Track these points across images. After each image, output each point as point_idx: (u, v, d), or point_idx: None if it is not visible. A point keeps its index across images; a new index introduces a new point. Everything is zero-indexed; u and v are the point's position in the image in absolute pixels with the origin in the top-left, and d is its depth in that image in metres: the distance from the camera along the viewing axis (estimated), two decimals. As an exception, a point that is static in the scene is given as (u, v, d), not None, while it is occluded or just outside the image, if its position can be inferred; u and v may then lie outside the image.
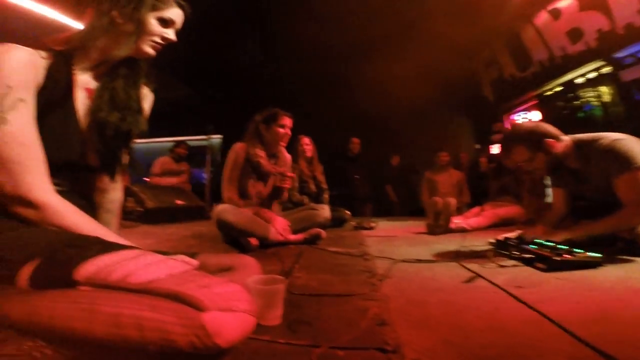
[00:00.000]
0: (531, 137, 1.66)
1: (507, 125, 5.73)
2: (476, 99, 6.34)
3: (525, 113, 5.27)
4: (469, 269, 1.40)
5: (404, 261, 1.59)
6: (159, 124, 5.13)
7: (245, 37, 5.36)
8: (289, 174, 2.16)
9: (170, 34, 0.94)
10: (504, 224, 2.94)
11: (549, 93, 4.69)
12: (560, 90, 4.50)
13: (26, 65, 0.75)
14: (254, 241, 1.91)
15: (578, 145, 1.68)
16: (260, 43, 5.56)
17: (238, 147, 2.17)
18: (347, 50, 5.47)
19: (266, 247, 1.98)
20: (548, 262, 1.37)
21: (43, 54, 0.81)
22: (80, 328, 0.57)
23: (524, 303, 0.97)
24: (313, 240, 2.12)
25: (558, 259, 1.36)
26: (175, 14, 0.93)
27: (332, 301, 1.01)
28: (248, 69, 5.49)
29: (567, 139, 1.69)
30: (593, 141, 1.64)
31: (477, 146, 6.32)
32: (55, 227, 0.75)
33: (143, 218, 3.44)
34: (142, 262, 0.65)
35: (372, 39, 5.11)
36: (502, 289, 1.12)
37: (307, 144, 3.16)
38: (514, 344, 0.72)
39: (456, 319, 0.87)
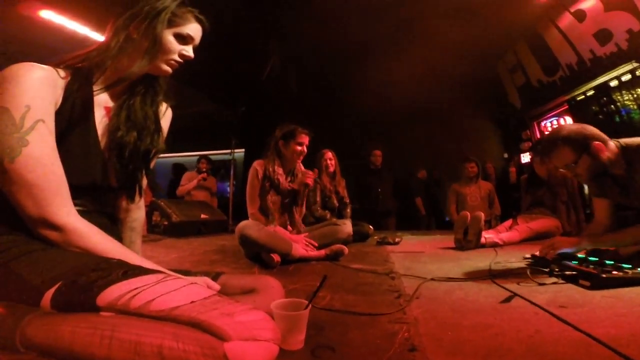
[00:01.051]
0: (578, 139, 1.52)
1: (537, 132, 5.50)
2: (502, 106, 6.14)
3: (557, 119, 5.04)
4: (505, 288, 1.30)
5: (433, 279, 1.50)
6: (183, 139, 5.31)
7: (267, 51, 5.47)
8: (310, 173, 2.16)
9: (189, 50, 0.92)
10: (538, 238, 2.76)
11: (581, 98, 4.47)
12: (593, 95, 4.28)
13: (46, 84, 0.75)
14: (276, 257, 1.88)
15: (624, 150, 1.54)
16: (282, 57, 5.65)
17: (257, 164, 2.21)
18: (370, 62, 5.46)
19: (288, 264, 1.94)
20: (594, 280, 1.25)
21: (62, 72, 0.81)
22: (99, 355, 0.56)
23: (569, 324, 0.88)
24: (335, 257, 2.07)
25: (605, 276, 1.25)
26: (194, 29, 0.92)
27: (358, 324, 0.95)
28: (270, 84, 5.59)
29: (613, 143, 1.55)
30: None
31: (505, 155, 6.08)
32: (79, 249, 0.74)
33: (168, 231, 3.50)
34: (164, 288, 0.64)
35: (394, 48, 5.08)
36: (543, 309, 1.02)
37: (330, 159, 3.13)
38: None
39: (493, 343, 0.79)
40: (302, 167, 2.37)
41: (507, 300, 1.16)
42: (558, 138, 1.56)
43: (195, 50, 0.95)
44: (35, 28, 3.37)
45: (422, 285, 1.40)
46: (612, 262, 1.36)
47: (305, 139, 2.19)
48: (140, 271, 0.68)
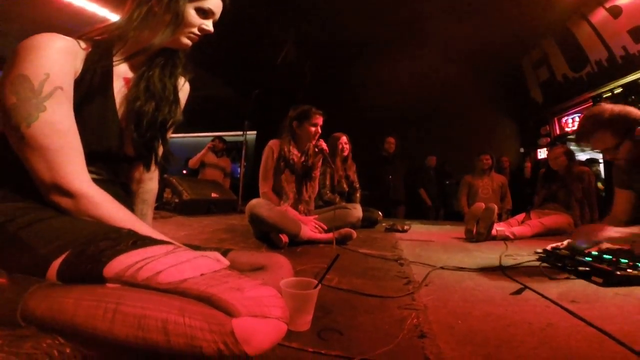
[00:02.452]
0: (622, 122, 1.45)
1: (557, 128, 5.35)
2: (522, 100, 5.97)
3: (579, 116, 4.89)
4: (515, 280, 1.28)
5: (442, 268, 1.49)
6: (197, 120, 5.32)
7: (280, 33, 5.38)
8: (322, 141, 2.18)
9: (209, 25, 0.92)
10: (550, 234, 2.72)
11: (607, 95, 4.33)
12: (621, 92, 4.14)
13: (65, 53, 0.75)
14: (284, 238, 1.89)
15: None
16: (295, 40, 5.57)
17: (272, 144, 2.20)
18: (385, 46, 5.34)
19: (296, 245, 1.95)
20: (607, 277, 1.23)
21: (82, 44, 0.81)
22: (102, 328, 0.54)
23: (582, 319, 0.87)
24: (343, 240, 2.07)
25: (620, 273, 1.22)
26: (215, 4, 0.91)
27: (366, 308, 0.95)
28: (283, 66, 5.52)
29: None
30: None
31: (522, 150, 5.96)
32: (90, 218, 0.74)
33: (179, 209, 3.54)
34: (174, 259, 0.63)
35: (413, 34, 4.95)
36: (555, 302, 1.01)
37: (345, 143, 3.11)
38: (574, 367, 0.63)
39: (505, 334, 0.78)
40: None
41: (518, 292, 1.14)
42: (600, 120, 1.48)
43: (214, 25, 0.95)
44: (55, 10, 3.37)
45: (431, 273, 1.39)
46: (627, 260, 1.33)
47: (319, 120, 2.17)
48: (150, 241, 0.67)
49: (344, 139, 3.11)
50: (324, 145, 2.19)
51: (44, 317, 0.57)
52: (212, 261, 0.66)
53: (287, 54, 5.47)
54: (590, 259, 1.41)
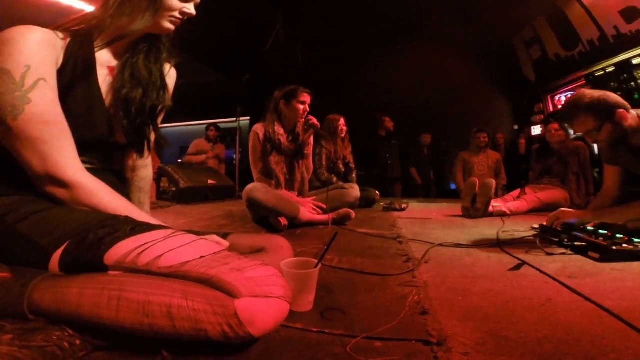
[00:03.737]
0: (601, 106, 1.50)
1: (550, 105, 5.35)
2: (515, 78, 5.95)
3: (572, 94, 4.90)
4: (513, 256, 1.30)
5: (441, 245, 1.51)
6: (190, 108, 5.24)
7: (270, 18, 5.26)
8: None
9: (190, 8, 0.88)
10: (546, 209, 2.74)
11: (600, 74, 4.39)
12: (613, 71, 4.20)
13: (44, 44, 0.73)
14: (283, 221, 1.89)
15: None
16: (285, 24, 5.44)
17: (256, 128, 2.19)
18: (377, 26, 5.24)
19: (295, 227, 1.95)
20: (604, 252, 1.24)
21: (60, 34, 0.78)
22: (108, 317, 0.55)
23: (580, 294, 0.88)
24: (342, 221, 2.08)
25: (615, 248, 1.23)
26: None
27: (367, 287, 0.96)
28: (273, 51, 5.42)
29: (635, 112, 1.53)
30: None
31: (516, 127, 5.97)
32: (86, 207, 0.73)
33: (177, 198, 3.53)
34: (173, 243, 0.63)
35: (404, 14, 4.86)
36: (553, 278, 1.02)
37: (343, 125, 3.10)
38: (572, 340, 0.64)
39: (505, 310, 0.79)
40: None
41: (517, 268, 1.16)
42: (581, 105, 1.52)
43: (197, 9, 0.91)
44: (30, 4, 3.23)
45: (430, 250, 1.41)
46: (622, 235, 1.34)
47: (307, 98, 2.16)
48: (148, 227, 0.67)
49: (343, 120, 3.09)
50: (314, 120, 2.17)
51: (50, 309, 0.58)
52: (211, 243, 0.67)
53: (277, 37, 5.35)
54: (586, 234, 1.43)
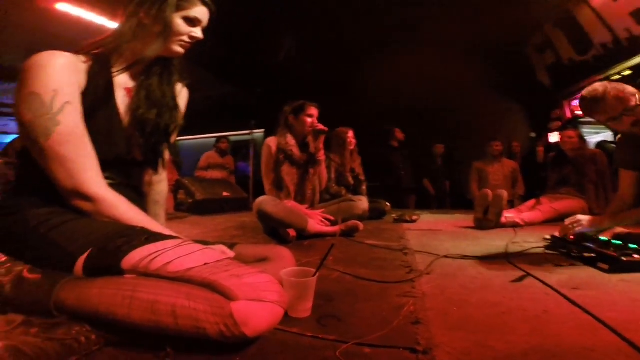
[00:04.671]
0: (619, 90, 1.52)
1: (568, 111, 5.24)
2: (530, 85, 5.85)
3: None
4: (519, 268, 1.29)
5: (446, 257, 1.51)
6: (204, 122, 5.40)
7: (281, 32, 5.40)
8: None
9: (198, 32, 0.97)
10: (562, 219, 2.68)
11: (616, 77, 4.26)
12: (630, 75, 4.10)
13: (68, 69, 0.82)
14: (292, 232, 1.94)
15: None
16: (296, 36, 5.57)
17: (269, 141, 2.28)
18: (388, 37, 5.28)
19: (303, 239, 1.99)
20: (613, 263, 1.22)
21: (82, 58, 0.87)
22: (121, 314, 0.62)
23: (578, 306, 0.88)
24: (350, 233, 2.11)
25: (626, 259, 1.21)
26: (201, 12, 0.96)
27: (367, 296, 0.99)
28: (285, 64, 5.55)
29: None
30: None
31: (533, 135, 5.84)
32: (107, 218, 0.82)
33: (193, 209, 3.64)
34: (181, 251, 0.70)
35: (413, 21, 4.89)
36: (554, 289, 1.02)
37: (352, 137, 3.15)
38: (560, 352, 0.65)
39: (498, 321, 0.80)
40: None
41: (519, 280, 1.16)
42: (599, 94, 1.52)
43: (205, 31, 0.99)
44: (54, 21, 3.47)
45: (435, 262, 1.42)
46: (636, 246, 1.32)
47: (314, 111, 2.25)
48: (160, 237, 0.75)
49: (352, 133, 3.14)
50: (321, 126, 2.25)
51: (73, 306, 0.66)
52: (215, 252, 0.74)
53: (289, 51, 5.48)
54: (598, 244, 1.40)
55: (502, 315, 0.84)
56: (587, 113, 1.62)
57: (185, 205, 3.72)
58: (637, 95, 1.50)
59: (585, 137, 3.12)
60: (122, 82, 0.94)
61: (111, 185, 0.87)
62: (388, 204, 3.25)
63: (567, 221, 1.66)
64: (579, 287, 1.05)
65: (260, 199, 2.02)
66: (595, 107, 1.55)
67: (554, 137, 5.28)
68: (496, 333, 0.73)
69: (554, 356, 0.63)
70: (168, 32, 0.91)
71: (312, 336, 0.70)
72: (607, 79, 4.37)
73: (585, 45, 4.65)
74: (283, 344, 0.68)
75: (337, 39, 5.36)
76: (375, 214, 2.99)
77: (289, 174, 2.21)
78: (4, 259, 0.76)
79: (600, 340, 0.70)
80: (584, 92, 1.59)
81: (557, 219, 2.69)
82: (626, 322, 0.77)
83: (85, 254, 0.73)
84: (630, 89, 1.52)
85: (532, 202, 2.99)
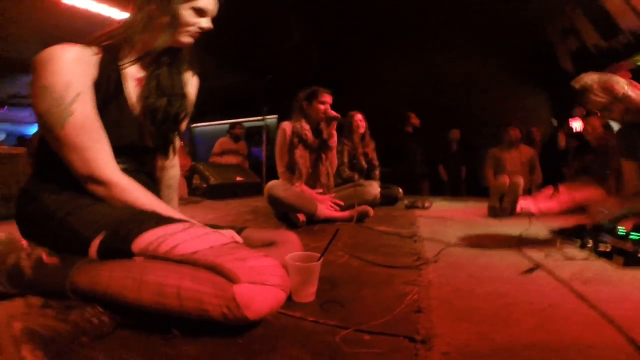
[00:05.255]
0: (606, 82, 1.49)
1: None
2: (552, 70, 5.59)
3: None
4: (530, 258, 1.27)
5: (456, 245, 1.50)
6: (218, 109, 5.43)
7: (292, 17, 5.31)
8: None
9: (206, 22, 0.96)
10: (581, 210, 2.60)
11: None
12: None
13: (80, 61, 0.83)
14: (301, 217, 1.96)
15: None
16: (307, 22, 5.46)
17: (284, 125, 2.28)
18: (403, 18, 5.12)
19: (313, 224, 2.01)
20: (628, 257, 1.19)
21: (93, 50, 0.88)
22: (130, 296, 0.65)
23: (585, 300, 0.86)
24: (360, 218, 2.11)
25: (641, 253, 1.18)
26: (209, 2, 0.95)
27: (372, 283, 0.99)
28: (297, 50, 5.48)
29: None
30: None
31: (554, 121, 5.62)
32: (121, 202, 0.85)
33: (207, 194, 3.71)
34: (188, 235, 0.73)
35: (431, 5, 4.71)
36: (563, 283, 1.00)
37: (360, 120, 3.10)
38: (562, 347, 0.64)
39: (503, 313, 0.80)
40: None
41: (529, 271, 1.14)
42: (586, 85, 1.51)
43: (214, 20, 0.99)
44: (61, 13, 3.48)
45: (444, 250, 1.41)
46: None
47: (327, 98, 2.23)
48: (169, 220, 0.78)
49: (359, 116, 3.10)
50: (333, 112, 2.23)
51: (86, 289, 0.69)
52: (222, 236, 0.76)
53: (299, 36, 5.40)
54: (615, 237, 1.36)
55: (508, 307, 0.83)
56: (580, 104, 1.58)
57: (200, 190, 3.79)
58: (624, 85, 1.44)
59: (612, 126, 2.98)
60: (133, 73, 0.96)
61: (125, 171, 0.89)
62: (400, 189, 3.23)
63: (594, 208, 1.62)
64: (589, 281, 1.03)
65: (271, 183, 2.04)
66: (584, 98, 1.53)
67: (576, 124, 5.08)
68: (499, 325, 0.73)
69: (554, 351, 0.63)
70: (176, 23, 0.91)
71: (314, 321, 0.72)
72: (638, 66, 4.15)
73: (611, 31, 4.40)
74: (285, 327, 0.69)
75: (351, 25, 5.23)
76: (387, 199, 2.98)
77: (302, 156, 2.22)
78: (25, 244, 0.80)
79: (603, 337, 0.69)
80: (572, 82, 1.57)
81: (575, 210, 2.61)
82: (632, 319, 0.75)
83: (99, 238, 0.75)
84: (617, 78, 1.48)
85: (549, 190, 2.91)
